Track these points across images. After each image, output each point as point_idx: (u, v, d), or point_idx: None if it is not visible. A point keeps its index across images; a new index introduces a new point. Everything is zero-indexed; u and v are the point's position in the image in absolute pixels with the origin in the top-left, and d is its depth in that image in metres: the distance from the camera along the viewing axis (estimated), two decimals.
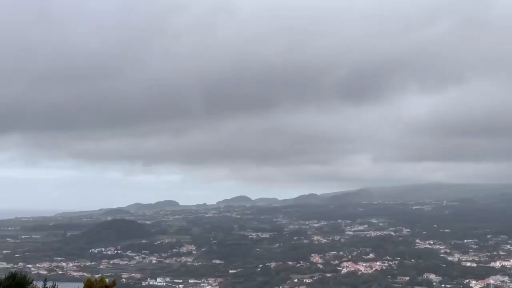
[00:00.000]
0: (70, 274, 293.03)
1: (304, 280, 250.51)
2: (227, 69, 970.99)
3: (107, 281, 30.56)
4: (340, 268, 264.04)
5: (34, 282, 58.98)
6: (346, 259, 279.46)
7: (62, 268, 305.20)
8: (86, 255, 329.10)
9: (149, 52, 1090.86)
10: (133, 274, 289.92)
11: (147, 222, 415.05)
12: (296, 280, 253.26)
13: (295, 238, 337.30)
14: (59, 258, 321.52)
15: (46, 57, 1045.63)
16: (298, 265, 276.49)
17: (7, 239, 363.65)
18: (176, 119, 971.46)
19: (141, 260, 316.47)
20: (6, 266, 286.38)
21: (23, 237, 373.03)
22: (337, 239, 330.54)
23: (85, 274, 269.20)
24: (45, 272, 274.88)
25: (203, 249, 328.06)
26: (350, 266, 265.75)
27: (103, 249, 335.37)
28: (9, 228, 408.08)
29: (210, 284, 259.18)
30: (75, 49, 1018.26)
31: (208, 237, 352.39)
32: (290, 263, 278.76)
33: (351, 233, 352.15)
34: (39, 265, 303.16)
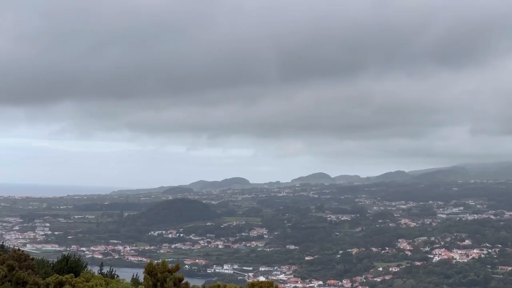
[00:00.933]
0: (127, 259, 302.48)
1: (390, 269, 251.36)
2: (305, 30, 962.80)
3: (170, 266, 33.08)
4: (431, 256, 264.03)
5: (89, 267, 63.17)
6: (438, 245, 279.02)
7: (118, 252, 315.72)
8: (145, 238, 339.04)
9: (218, 9, 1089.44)
10: (197, 260, 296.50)
11: (213, 202, 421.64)
12: (380, 269, 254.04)
13: (379, 221, 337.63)
14: (115, 241, 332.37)
15: (103, 18, 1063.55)
16: (383, 251, 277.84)
17: (59, 219, 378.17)
18: (247, 86, 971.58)
19: (205, 244, 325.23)
20: (58, 248, 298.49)
21: (76, 217, 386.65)
22: (428, 222, 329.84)
23: (143, 259, 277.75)
24: (100, 256, 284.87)
25: (275, 233, 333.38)
26: (442, 254, 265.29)
27: (163, 231, 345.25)
28: (61, 207, 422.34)
29: (284, 272, 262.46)
30: (134, 7, 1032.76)
31: (282, 219, 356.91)
32: (374, 249, 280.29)
33: (444, 216, 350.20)
34: (94, 248, 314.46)
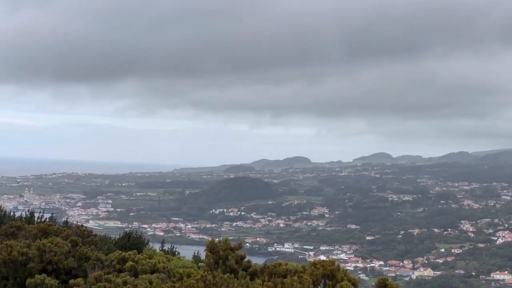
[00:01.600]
0: (188, 236, 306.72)
1: (452, 250, 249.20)
2: (370, 8, 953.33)
3: (232, 244, 33.07)
4: (495, 238, 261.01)
5: (150, 244, 63.89)
6: (502, 227, 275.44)
7: (180, 229, 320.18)
8: (206, 216, 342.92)
9: None
10: (257, 239, 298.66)
11: (274, 181, 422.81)
12: (442, 250, 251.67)
13: (442, 202, 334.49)
14: (177, 219, 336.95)
15: None
16: (445, 232, 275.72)
17: (121, 196, 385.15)
18: (311, 65, 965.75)
19: (266, 223, 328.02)
20: (120, 225, 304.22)
21: (138, 194, 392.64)
22: (492, 204, 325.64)
23: (204, 237, 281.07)
24: (161, 234, 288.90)
25: (336, 212, 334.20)
26: (506, 236, 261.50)
27: (224, 210, 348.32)
28: (123, 184, 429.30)
29: (344, 252, 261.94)
30: None
31: (343, 198, 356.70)
32: (436, 230, 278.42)
33: (508, 198, 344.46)
34: (155, 226, 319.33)
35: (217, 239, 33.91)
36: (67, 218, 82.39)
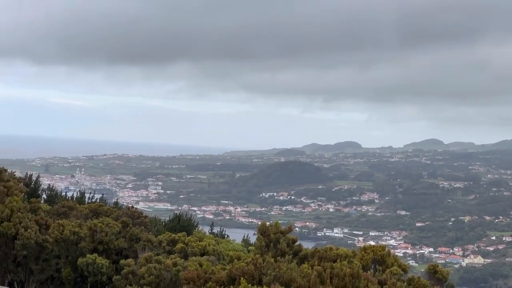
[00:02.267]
0: (238, 219, 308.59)
1: (504, 238, 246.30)
2: None
3: (282, 227, 33.14)
4: None
5: (200, 227, 64.21)
6: None
7: (229, 212, 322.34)
8: (256, 200, 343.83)
9: None
10: (307, 223, 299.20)
11: (325, 166, 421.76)
12: (493, 238, 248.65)
13: (493, 189, 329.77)
14: (226, 202, 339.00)
15: None
16: (496, 220, 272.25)
17: (171, 178, 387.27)
18: (363, 49, 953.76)
19: (316, 207, 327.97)
20: (170, 207, 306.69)
21: (188, 176, 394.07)
22: None
23: (254, 220, 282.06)
24: (211, 216, 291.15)
25: (386, 198, 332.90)
26: None
27: (274, 193, 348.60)
28: (173, 167, 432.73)
29: (394, 238, 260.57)
30: None
31: (393, 184, 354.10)
32: (487, 217, 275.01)
33: None
34: (205, 208, 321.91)
35: (268, 223, 33.89)
36: (117, 199, 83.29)
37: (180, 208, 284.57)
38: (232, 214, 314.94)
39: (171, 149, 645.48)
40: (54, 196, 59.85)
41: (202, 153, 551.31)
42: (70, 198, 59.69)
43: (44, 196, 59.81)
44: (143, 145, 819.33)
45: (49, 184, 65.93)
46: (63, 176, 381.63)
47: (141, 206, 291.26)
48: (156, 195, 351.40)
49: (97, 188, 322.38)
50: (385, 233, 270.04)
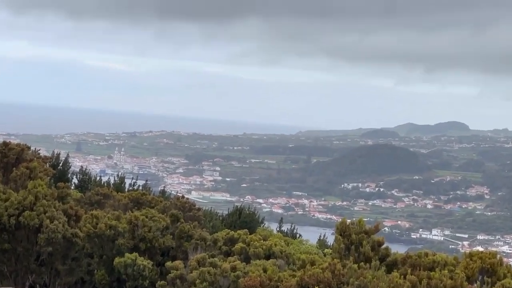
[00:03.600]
0: (313, 215, 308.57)
1: None
2: None
3: (366, 226, 33.05)
4: None
5: (266, 223, 64.39)
6: None
7: (303, 206, 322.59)
8: (336, 192, 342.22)
9: None
10: (399, 222, 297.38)
11: (422, 151, 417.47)
12: None
13: None
14: (299, 193, 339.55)
15: None
16: None
17: (232, 163, 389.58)
18: (478, 6, 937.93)
19: (411, 203, 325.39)
20: (230, 198, 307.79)
21: (252, 161, 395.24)
22: None
23: (333, 217, 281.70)
24: (280, 211, 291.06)
25: (499, 194, 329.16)
26: None
27: (359, 184, 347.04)
28: (235, 148, 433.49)
29: (508, 243, 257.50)
30: None
31: (508, 176, 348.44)
32: None
33: None
34: (273, 201, 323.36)
35: (349, 220, 33.81)
36: (164, 186, 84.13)
37: (242, 199, 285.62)
38: (306, 209, 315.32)
39: (232, 126, 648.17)
40: (86, 181, 60.90)
41: (271, 132, 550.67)
42: (106, 184, 60.56)
43: (75, 180, 60.92)
44: (199, 121, 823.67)
45: (81, 166, 67.04)
46: (98, 157, 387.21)
47: (193, 196, 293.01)
48: (213, 183, 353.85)
49: (140, 172, 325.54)
50: (497, 237, 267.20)
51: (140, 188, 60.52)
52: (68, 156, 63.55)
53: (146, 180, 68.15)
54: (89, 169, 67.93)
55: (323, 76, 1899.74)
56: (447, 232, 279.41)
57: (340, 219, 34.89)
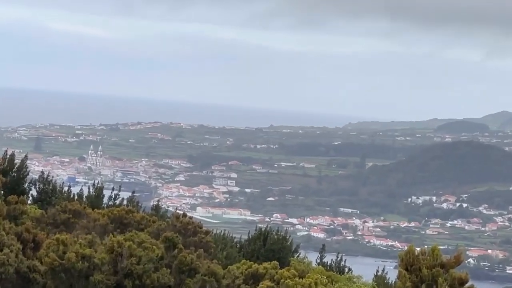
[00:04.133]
0: (368, 241, 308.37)
1: None
2: None
3: (443, 257, 32.98)
4: None
5: (302, 252, 64.22)
6: None
7: (353, 228, 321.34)
8: (400, 208, 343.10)
9: None
10: (489, 251, 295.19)
11: None
12: None
13: None
14: (348, 210, 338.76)
15: None
16: None
17: (254, 167, 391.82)
18: None
19: (506, 224, 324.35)
20: (251, 217, 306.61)
21: (282, 164, 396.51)
22: None
23: (395, 243, 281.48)
24: (321, 235, 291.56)
25: None
26: None
27: (433, 198, 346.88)
28: (258, 147, 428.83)
29: None
30: None
31: None
32: None
33: None
34: (311, 220, 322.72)
35: (419, 249, 33.83)
36: (159, 200, 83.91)
37: (268, 219, 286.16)
38: (359, 232, 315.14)
39: (254, 116, 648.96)
40: (49, 193, 61.10)
41: (309, 125, 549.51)
42: (77, 197, 60.79)
43: (34, 192, 61.10)
44: (206, 108, 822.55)
45: (41, 172, 67.02)
46: (66, 159, 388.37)
47: (199, 214, 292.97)
48: (227, 195, 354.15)
49: (125, 180, 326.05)
50: None
51: (125, 202, 60.74)
52: (26, 158, 63.62)
53: (133, 192, 68.20)
54: (53, 176, 68.11)
55: (382, 46, 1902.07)
56: None
57: (406, 247, 34.94)
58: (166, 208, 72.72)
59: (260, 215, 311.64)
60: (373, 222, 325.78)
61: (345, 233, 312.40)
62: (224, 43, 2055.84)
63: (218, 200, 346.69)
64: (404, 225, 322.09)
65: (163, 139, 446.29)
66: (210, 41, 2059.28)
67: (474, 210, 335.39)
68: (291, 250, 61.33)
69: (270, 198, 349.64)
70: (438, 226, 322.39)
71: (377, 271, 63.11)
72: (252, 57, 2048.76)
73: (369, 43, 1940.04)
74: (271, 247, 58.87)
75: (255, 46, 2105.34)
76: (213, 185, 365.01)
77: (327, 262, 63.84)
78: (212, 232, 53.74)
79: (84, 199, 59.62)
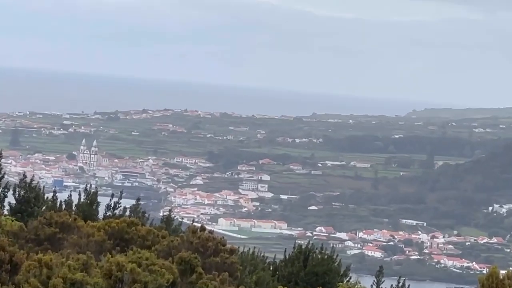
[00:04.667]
0: (436, 261, 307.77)
1: None
2: None
3: None
4: None
5: (353, 276, 64.19)
6: None
7: (419, 246, 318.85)
8: (479, 219, 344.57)
9: None
10: None
11: None
12: None
13: None
14: (413, 222, 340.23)
15: None
16: None
17: (291, 167, 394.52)
18: None
19: None
20: (287, 232, 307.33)
21: (328, 164, 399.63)
22: None
23: (473, 264, 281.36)
24: (378, 254, 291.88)
25: None
26: None
27: None
28: (297, 141, 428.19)
29: None
30: None
31: None
32: None
33: None
34: (365, 235, 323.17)
35: (503, 271, 33.72)
36: (170, 210, 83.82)
37: (309, 233, 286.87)
38: (425, 250, 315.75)
39: (292, 102, 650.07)
40: (30, 201, 61.23)
41: (361, 113, 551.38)
42: (65, 206, 60.86)
43: (10, 200, 61.28)
44: (229, 90, 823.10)
45: (22, 175, 67.24)
46: (51, 157, 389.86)
47: (222, 226, 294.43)
48: (257, 203, 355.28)
49: (127, 184, 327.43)
50: None
51: (128, 213, 60.80)
52: (0, 155, 63.65)
53: (138, 199, 68.10)
54: (36, 179, 68.24)
55: (456, 12, 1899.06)
56: None
57: (487, 269, 34.91)
58: (180, 219, 72.76)
59: (299, 229, 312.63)
60: (444, 237, 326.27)
61: (408, 251, 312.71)
62: (251, 8, 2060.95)
63: (246, 209, 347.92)
64: (484, 241, 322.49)
65: (175, 132, 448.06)
66: (235, 7, 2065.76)
67: None
68: (339, 274, 61.29)
69: (313, 207, 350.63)
70: None
71: None
72: (287, 27, 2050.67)
73: (438, 9, 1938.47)
74: (313, 270, 58.86)
75: (292, 13, 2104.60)
76: (240, 190, 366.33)
77: (386, 287, 63.87)
78: (239, 251, 53.75)
79: (74, 208, 59.67)
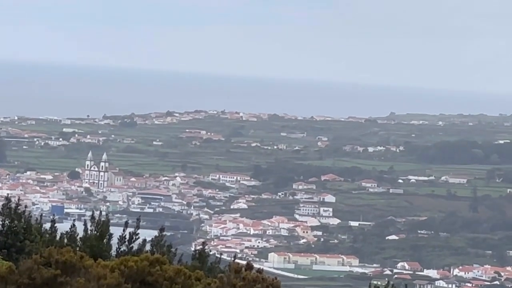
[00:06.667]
0: None
1: None
2: None
3: None
4: None
5: None
6: None
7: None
8: None
9: None
10: None
11: None
12: None
13: None
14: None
15: None
16: None
17: (363, 184, 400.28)
18: None
19: None
20: (359, 269, 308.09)
21: (411, 179, 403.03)
22: None
23: None
24: None
25: None
26: None
27: None
28: (369, 150, 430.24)
29: None
30: None
31: None
32: None
33: None
34: (462, 273, 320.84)
35: None
36: (204, 242, 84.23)
37: (388, 270, 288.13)
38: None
39: (363, 97, 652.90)
40: (23, 234, 61.56)
41: (454, 112, 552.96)
42: (67, 239, 61.12)
43: None
44: (279, 83, 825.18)
45: (6, 196, 67.59)
46: (48, 176, 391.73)
47: (274, 263, 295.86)
48: (319, 232, 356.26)
49: (147, 210, 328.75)
50: None
51: (148, 247, 61.02)
52: None
53: (162, 229, 68.36)
54: (29, 205, 68.85)
55: None
56: None
57: None
58: (218, 255, 73.06)
59: (375, 265, 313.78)
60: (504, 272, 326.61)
61: None
62: None
63: (304, 240, 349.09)
64: None
65: (209, 140, 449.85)
66: None
67: None
68: None
69: (392, 237, 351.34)
70: None
71: None
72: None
73: None
74: None
75: None
76: (296, 216, 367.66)
77: None
78: None
79: (79, 242, 59.81)
